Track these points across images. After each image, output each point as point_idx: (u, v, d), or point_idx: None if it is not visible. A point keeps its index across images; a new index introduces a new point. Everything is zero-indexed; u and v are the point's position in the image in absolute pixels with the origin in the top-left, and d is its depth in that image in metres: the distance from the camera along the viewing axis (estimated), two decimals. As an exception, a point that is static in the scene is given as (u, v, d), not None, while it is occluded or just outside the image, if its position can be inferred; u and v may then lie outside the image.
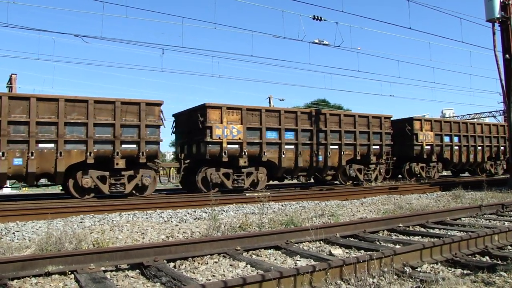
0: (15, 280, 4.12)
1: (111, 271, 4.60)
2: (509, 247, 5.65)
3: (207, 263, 4.90)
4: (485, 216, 8.59)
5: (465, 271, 4.42)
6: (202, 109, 13.77)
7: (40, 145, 11.45)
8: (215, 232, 6.67)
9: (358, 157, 16.94)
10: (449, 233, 6.74)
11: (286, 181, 17.37)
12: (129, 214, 9.33)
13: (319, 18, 15.52)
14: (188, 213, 9.72)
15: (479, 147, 22.44)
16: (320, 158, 15.89)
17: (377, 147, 17.66)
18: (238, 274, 4.42)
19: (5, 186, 13.24)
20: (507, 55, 16.14)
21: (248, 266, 4.70)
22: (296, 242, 5.87)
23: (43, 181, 13.53)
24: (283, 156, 14.82)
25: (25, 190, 24.79)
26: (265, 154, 14.47)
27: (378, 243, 5.95)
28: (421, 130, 19.61)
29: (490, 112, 45.34)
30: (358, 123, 17.10)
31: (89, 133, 11.84)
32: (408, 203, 11.24)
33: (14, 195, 17.57)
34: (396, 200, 12.38)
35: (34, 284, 4.09)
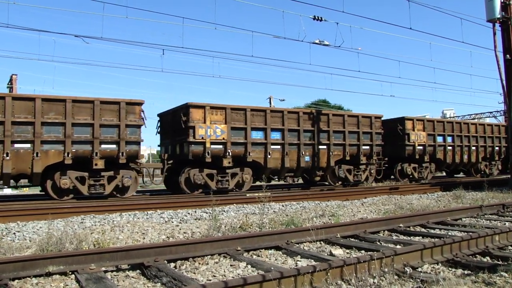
0: (16, 280, 4.13)
1: (112, 271, 4.60)
2: (510, 247, 5.65)
3: (208, 264, 4.90)
4: (485, 216, 8.59)
5: (465, 272, 4.42)
6: (184, 109, 13.48)
7: (16, 145, 11.16)
8: (216, 232, 6.68)
9: (348, 158, 16.61)
10: (449, 234, 6.74)
11: (273, 182, 16.96)
12: (129, 215, 9.34)
13: (320, 18, 15.51)
14: (189, 213, 9.73)
15: (473, 147, 22.04)
16: (308, 158, 15.56)
17: (367, 147, 17.30)
18: (238, 274, 4.43)
19: (5, 186, 13.22)
20: (507, 55, 16.14)
21: (249, 266, 4.70)
22: (297, 243, 5.87)
23: (25, 181, 13.20)
24: (269, 156, 14.51)
25: (26, 191, 24.81)
26: (250, 154, 14.14)
27: (378, 243, 5.95)
28: (413, 130, 19.23)
29: (490, 112, 45.35)
30: (348, 122, 16.76)
31: (67, 133, 11.56)
32: (408, 203, 11.24)
33: (15, 195, 17.59)
34: (397, 200, 12.38)
35: (34, 284, 4.09)
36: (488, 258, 5.08)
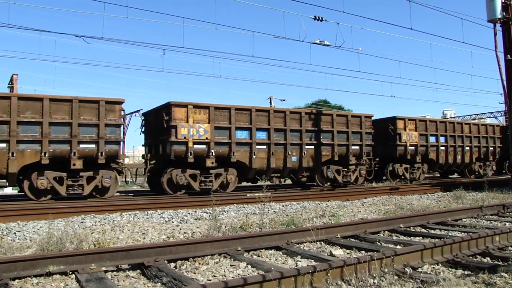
0: (16, 280, 4.13)
1: (112, 271, 4.61)
2: (510, 248, 5.65)
3: (208, 264, 4.91)
4: (486, 217, 8.59)
5: (466, 272, 4.43)
6: (166, 108, 13.17)
7: None
8: (216, 232, 6.68)
9: (336, 158, 16.18)
10: (450, 234, 6.74)
11: (259, 183, 16.30)
12: (130, 214, 9.35)
13: (320, 18, 15.50)
14: (189, 213, 9.73)
15: (467, 148, 21.57)
16: (295, 159, 15.19)
17: (357, 147, 16.90)
18: (239, 274, 4.43)
19: (6, 186, 13.22)
20: (508, 56, 16.14)
21: (249, 266, 4.70)
22: (297, 243, 5.88)
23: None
24: (254, 156, 14.14)
25: None
26: (235, 154, 13.78)
27: (379, 243, 5.95)
28: (405, 130, 18.78)
29: (491, 112, 45.31)
30: (336, 122, 16.35)
31: (44, 133, 11.27)
32: (409, 203, 11.24)
33: (16, 195, 17.59)
34: (397, 200, 12.38)
35: (35, 284, 4.09)
36: (488, 258, 5.08)
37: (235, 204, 11.26)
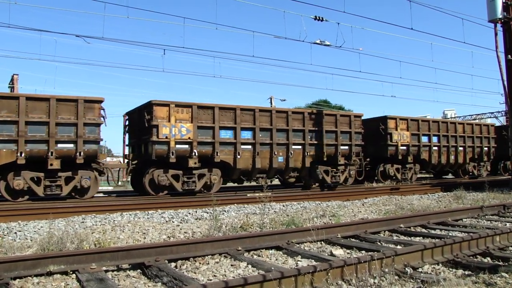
0: (17, 280, 4.14)
1: (113, 271, 4.61)
2: (510, 248, 5.64)
3: (208, 263, 4.91)
4: (486, 217, 8.59)
5: (466, 272, 4.43)
6: (148, 107, 12.88)
7: None
8: (216, 232, 6.69)
9: (324, 158, 15.74)
10: (450, 234, 6.74)
11: (245, 183, 15.93)
12: (130, 214, 9.36)
13: (321, 18, 15.47)
14: (189, 213, 9.74)
15: (461, 148, 21.07)
16: (281, 159, 14.80)
17: (346, 147, 16.45)
18: (239, 274, 4.43)
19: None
20: (509, 56, 16.13)
21: (249, 266, 4.70)
22: (297, 243, 5.88)
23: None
24: (239, 156, 13.80)
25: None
26: (218, 154, 13.45)
27: (379, 243, 5.95)
28: (396, 130, 18.33)
29: (491, 113, 45.33)
30: (325, 121, 15.96)
31: (20, 132, 11.00)
32: (409, 203, 11.25)
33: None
34: (398, 200, 12.38)
35: (36, 283, 4.10)
36: (488, 258, 5.08)
37: (235, 204, 11.27)
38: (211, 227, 6.86)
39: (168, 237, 6.78)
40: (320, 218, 8.84)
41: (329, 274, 3.94)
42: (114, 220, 8.50)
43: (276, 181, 15.73)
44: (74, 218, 8.72)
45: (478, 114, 46.63)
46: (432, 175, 23.99)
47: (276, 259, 5.17)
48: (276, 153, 14.67)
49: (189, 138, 13.03)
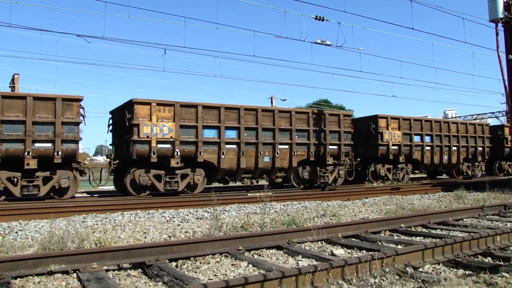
0: (18, 279, 4.15)
1: (113, 270, 4.62)
2: (511, 247, 5.64)
3: (209, 263, 4.91)
4: (487, 217, 8.58)
5: (467, 272, 4.43)
6: (129, 106, 12.64)
7: None
8: (217, 232, 6.69)
9: (312, 158, 15.43)
10: (451, 234, 6.74)
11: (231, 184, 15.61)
12: (131, 214, 9.36)
13: (322, 18, 15.47)
14: (190, 212, 9.75)
15: (454, 148, 20.67)
16: (267, 159, 14.48)
17: (335, 147, 16.11)
18: (240, 273, 4.44)
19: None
20: (510, 56, 16.11)
21: (250, 266, 4.71)
22: (298, 242, 5.88)
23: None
24: (223, 156, 13.54)
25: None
26: (201, 154, 13.17)
27: (380, 243, 5.95)
28: (387, 129, 17.95)
29: (492, 112, 45.32)
30: (313, 120, 15.62)
31: None
32: (410, 203, 11.24)
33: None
34: (398, 200, 12.38)
35: (36, 283, 4.11)
36: (489, 258, 5.07)
37: (236, 204, 11.27)
38: (212, 226, 6.86)
39: (169, 236, 6.78)
40: (320, 217, 8.84)
41: (329, 273, 3.95)
42: (115, 220, 8.51)
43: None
44: (75, 218, 8.73)
45: (479, 114, 46.62)
46: (426, 175, 23.70)
47: (277, 259, 5.17)
48: (261, 152, 14.38)
49: (171, 137, 12.81)
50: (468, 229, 6.97)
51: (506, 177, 21.89)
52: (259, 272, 4.37)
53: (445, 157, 20.30)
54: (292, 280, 3.69)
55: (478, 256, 5.17)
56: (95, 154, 64.78)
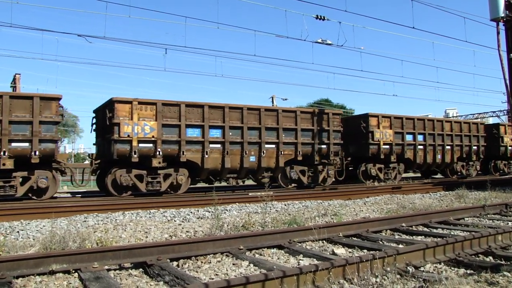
0: (20, 279, 4.15)
1: (115, 269, 4.62)
2: (512, 247, 5.63)
3: (210, 262, 4.92)
4: (488, 216, 8.57)
5: (468, 271, 4.42)
6: (110, 104, 12.37)
7: None
8: (218, 231, 6.69)
9: (300, 158, 15.10)
10: (452, 233, 6.74)
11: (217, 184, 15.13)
12: (132, 213, 9.37)
13: (322, 17, 15.46)
14: (191, 212, 9.75)
15: (448, 147, 20.16)
16: (253, 158, 14.14)
17: (324, 146, 15.78)
18: (241, 273, 4.44)
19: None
20: (511, 55, 16.09)
21: (251, 265, 4.71)
22: (299, 242, 5.88)
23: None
24: (206, 156, 13.23)
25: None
26: (184, 154, 12.89)
27: (381, 242, 5.95)
28: (378, 128, 17.48)
29: (494, 112, 45.26)
30: (300, 119, 15.23)
31: None
32: (411, 202, 11.23)
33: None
34: (399, 199, 12.37)
35: (38, 282, 4.11)
36: (491, 257, 5.07)
37: (237, 203, 11.28)
38: (213, 226, 6.86)
39: (170, 236, 6.79)
40: (321, 217, 8.84)
41: (331, 273, 3.95)
42: (116, 219, 8.51)
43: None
44: (76, 217, 8.74)
45: (480, 113, 46.57)
46: (420, 175, 23.32)
47: (278, 258, 5.18)
48: (247, 152, 14.03)
49: (153, 136, 12.54)
50: (470, 228, 6.97)
51: (507, 177, 21.85)
52: (260, 272, 4.37)
53: (439, 157, 19.85)
54: (293, 279, 3.70)
55: (480, 255, 5.16)
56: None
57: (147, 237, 6.69)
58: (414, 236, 6.55)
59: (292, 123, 15.16)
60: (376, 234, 6.60)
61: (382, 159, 17.73)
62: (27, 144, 11.20)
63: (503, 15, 15.84)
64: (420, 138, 19.09)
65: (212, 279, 4.28)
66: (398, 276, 4.13)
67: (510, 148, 23.69)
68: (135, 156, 12.24)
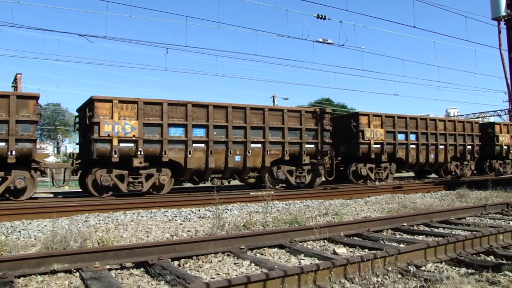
0: (21, 278, 4.16)
1: (116, 269, 4.63)
2: (514, 246, 5.63)
3: (212, 262, 4.92)
4: (489, 215, 8.57)
5: (469, 271, 4.42)
6: (90, 103, 12.20)
7: None
8: (219, 230, 6.70)
9: (287, 158, 14.80)
10: (453, 233, 6.73)
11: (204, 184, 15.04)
12: (133, 213, 9.38)
13: (323, 17, 15.45)
14: (193, 211, 9.76)
15: (441, 146, 19.79)
16: (238, 158, 13.90)
17: (312, 145, 15.43)
18: (242, 272, 4.44)
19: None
20: (512, 54, 16.05)
21: (252, 264, 4.71)
22: (300, 241, 5.88)
23: None
24: (189, 155, 12.98)
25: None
26: (166, 153, 12.66)
27: (382, 242, 5.95)
28: (369, 127, 17.15)
29: (495, 111, 45.13)
30: (288, 118, 14.92)
31: None
32: (412, 202, 11.23)
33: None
34: (400, 199, 12.36)
35: (40, 282, 4.12)
36: (492, 257, 5.06)
37: (238, 203, 11.28)
38: (214, 225, 6.87)
39: (171, 235, 6.79)
40: (323, 216, 8.84)
41: (332, 272, 3.95)
42: (117, 219, 8.53)
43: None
44: (78, 217, 8.75)
45: (482, 113, 46.45)
46: (414, 175, 22.94)
47: (279, 258, 5.18)
48: (232, 152, 13.75)
49: (134, 136, 12.30)
50: (471, 228, 6.96)
51: (509, 176, 21.81)
52: (261, 271, 4.37)
53: (432, 156, 19.47)
54: (295, 279, 3.70)
55: (481, 254, 5.16)
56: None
57: (148, 236, 6.70)
58: (415, 236, 6.55)
59: (279, 122, 14.85)
60: (377, 233, 6.60)
61: (373, 158, 17.40)
62: (3, 144, 10.95)
63: (504, 14, 15.81)
64: (412, 137, 18.74)
65: (213, 278, 4.28)
66: (399, 276, 4.13)
67: (505, 147, 23.30)
68: (116, 156, 12.02)
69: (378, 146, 17.48)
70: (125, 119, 12.28)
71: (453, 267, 4.60)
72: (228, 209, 10.07)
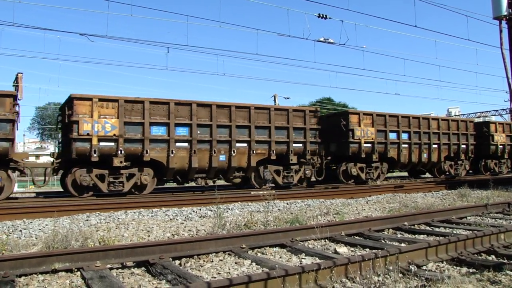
0: (23, 277, 4.17)
1: (117, 268, 4.63)
2: (515, 246, 5.62)
3: (213, 261, 4.92)
4: (491, 215, 8.56)
5: (470, 270, 4.41)
6: (69, 102, 12.01)
7: None
8: (221, 230, 6.70)
9: (274, 157, 14.53)
10: (454, 232, 6.72)
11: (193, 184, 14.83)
12: (134, 212, 9.39)
13: (324, 16, 15.42)
14: (194, 211, 9.76)
15: (435, 145, 19.44)
16: (223, 157, 13.65)
17: (300, 145, 15.17)
18: (243, 272, 4.44)
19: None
20: (514, 53, 16.03)
21: (253, 264, 4.71)
22: (301, 240, 5.88)
23: None
24: (172, 155, 12.76)
25: (31, 188, 25.03)
26: (148, 152, 12.44)
27: (383, 241, 5.95)
28: (359, 126, 16.84)
29: (496, 110, 45.06)
30: (275, 116, 14.68)
31: None
32: (413, 201, 11.21)
33: (21, 193, 17.69)
34: (402, 198, 12.35)
35: (41, 281, 4.13)
36: (493, 256, 5.06)
37: (239, 202, 11.28)
38: (215, 225, 6.87)
39: (172, 235, 6.80)
40: (324, 216, 8.84)
41: (333, 271, 3.95)
42: (118, 218, 8.53)
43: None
44: (79, 216, 8.76)
45: (483, 112, 46.38)
46: (407, 174, 22.68)
47: (280, 257, 5.18)
48: (216, 151, 13.47)
49: (114, 134, 12.08)
50: (472, 227, 6.96)
51: (510, 175, 21.76)
52: (262, 271, 4.37)
53: (425, 155, 19.13)
54: (296, 278, 3.70)
55: (482, 254, 5.15)
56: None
57: (149, 236, 6.70)
58: (416, 235, 6.54)
59: (265, 120, 14.58)
60: (378, 233, 6.59)
61: (364, 158, 17.11)
62: None
63: (506, 13, 15.76)
64: (404, 136, 18.40)
65: (215, 278, 4.28)
66: (401, 275, 4.13)
67: (501, 146, 22.92)
68: (95, 155, 11.82)
69: (369, 145, 17.19)
70: (105, 117, 12.09)
71: (454, 267, 4.60)
72: (229, 209, 10.07)
